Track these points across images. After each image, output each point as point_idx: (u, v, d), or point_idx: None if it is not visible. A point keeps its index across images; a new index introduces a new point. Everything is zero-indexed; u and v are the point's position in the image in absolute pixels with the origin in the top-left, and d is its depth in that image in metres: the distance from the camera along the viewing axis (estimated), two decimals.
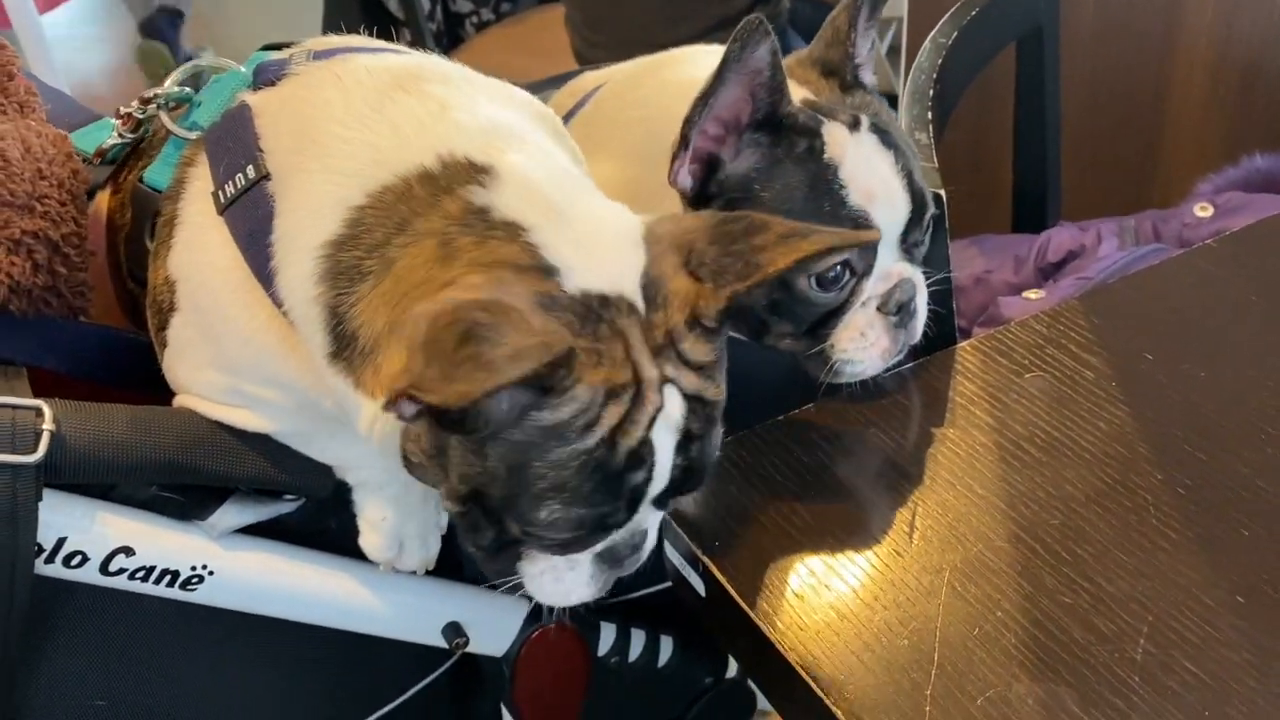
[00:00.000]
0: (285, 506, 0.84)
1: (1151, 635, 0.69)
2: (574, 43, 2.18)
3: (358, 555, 0.87)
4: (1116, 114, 1.75)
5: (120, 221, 0.90)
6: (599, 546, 0.73)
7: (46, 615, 0.78)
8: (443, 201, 0.68)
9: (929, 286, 0.92)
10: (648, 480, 0.68)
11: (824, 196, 0.84)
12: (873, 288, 0.88)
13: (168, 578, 0.79)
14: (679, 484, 0.71)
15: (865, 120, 0.87)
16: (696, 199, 0.87)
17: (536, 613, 1.00)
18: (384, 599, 0.89)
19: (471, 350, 0.58)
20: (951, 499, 0.81)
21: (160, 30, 3.36)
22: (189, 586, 0.80)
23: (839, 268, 0.85)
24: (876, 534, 0.79)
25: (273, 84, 0.78)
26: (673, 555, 0.83)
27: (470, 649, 0.96)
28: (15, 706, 0.78)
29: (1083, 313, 0.98)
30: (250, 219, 0.73)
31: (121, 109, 0.92)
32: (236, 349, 0.77)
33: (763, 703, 1.28)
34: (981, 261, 1.42)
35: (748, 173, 0.86)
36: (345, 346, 0.69)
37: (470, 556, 0.75)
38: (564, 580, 0.74)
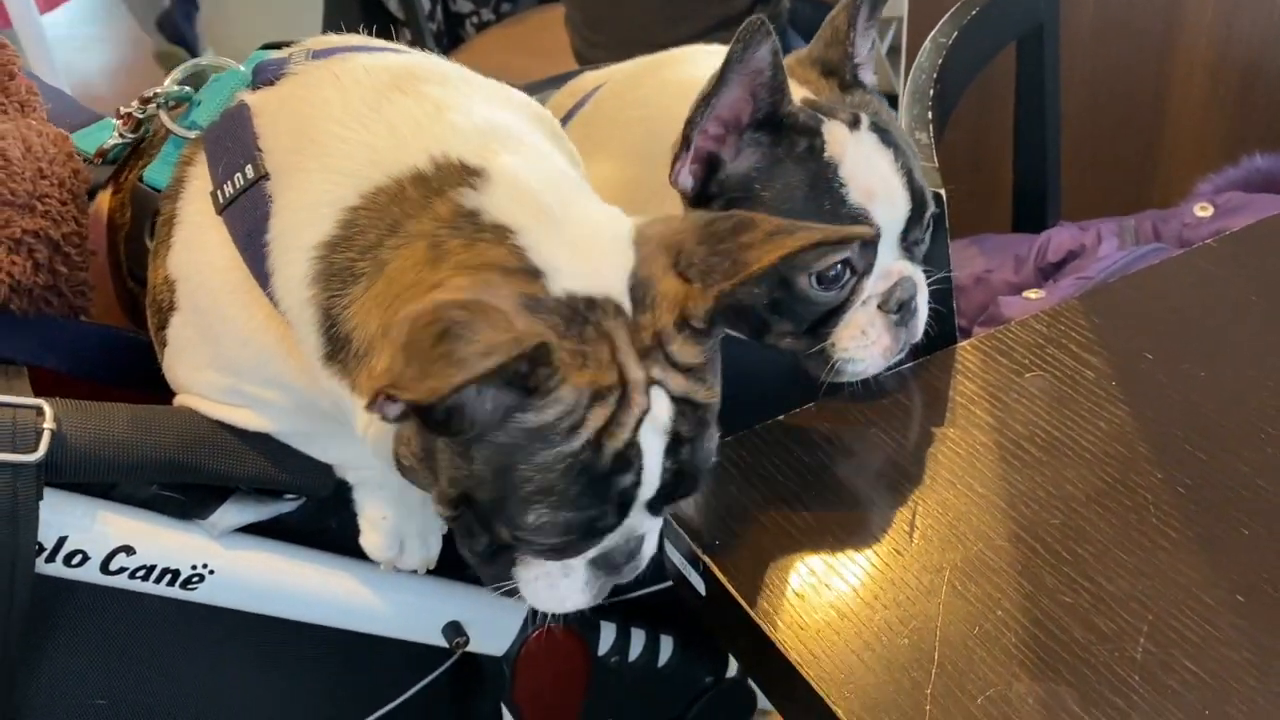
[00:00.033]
0: (286, 506, 0.84)
1: (1152, 634, 0.69)
2: (574, 43, 2.18)
3: (358, 555, 0.87)
4: (1116, 114, 1.75)
5: (120, 221, 0.90)
6: (592, 552, 0.72)
7: (47, 614, 0.78)
8: (434, 204, 0.68)
9: (930, 285, 0.92)
10: (636, 484, 0.68)
11: (824, 195, 0.85)
12: (873, 286, 0.88)
13: (168, 577, 0.79)
14: (671, 488, 0.70)
15: (865, 119, 0.87)
16: (697, 199, 0.87)
17: (536, 612, 1.00)
18: (384, 598, 0.89)
19: (446, 348, 0.58)
20: (952, 498, 0.81)
21: (177, 27, 3.36)
22: (189, 586, 0.80)
23: (839, 266, 0.85)
24: (877, 533, 0.79)
25: (272, 83, 0.78)
26: (673, 554, 0.83)
27: (470, 648, 0.96)
28: (16, 705, 0.78)
29: (1083, 312, 0.98)
30: (248, 219, 0.73)
31: (122, 109, 0.92)
32: (235, 349, 0.77)
33: (763, 702, 1.28)
34: (982, 261, 1.42)
35: (748, 172, 0.86)
36: (340, 349, 0.69)
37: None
38: (558, 587, 0.73)
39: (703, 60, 0.94)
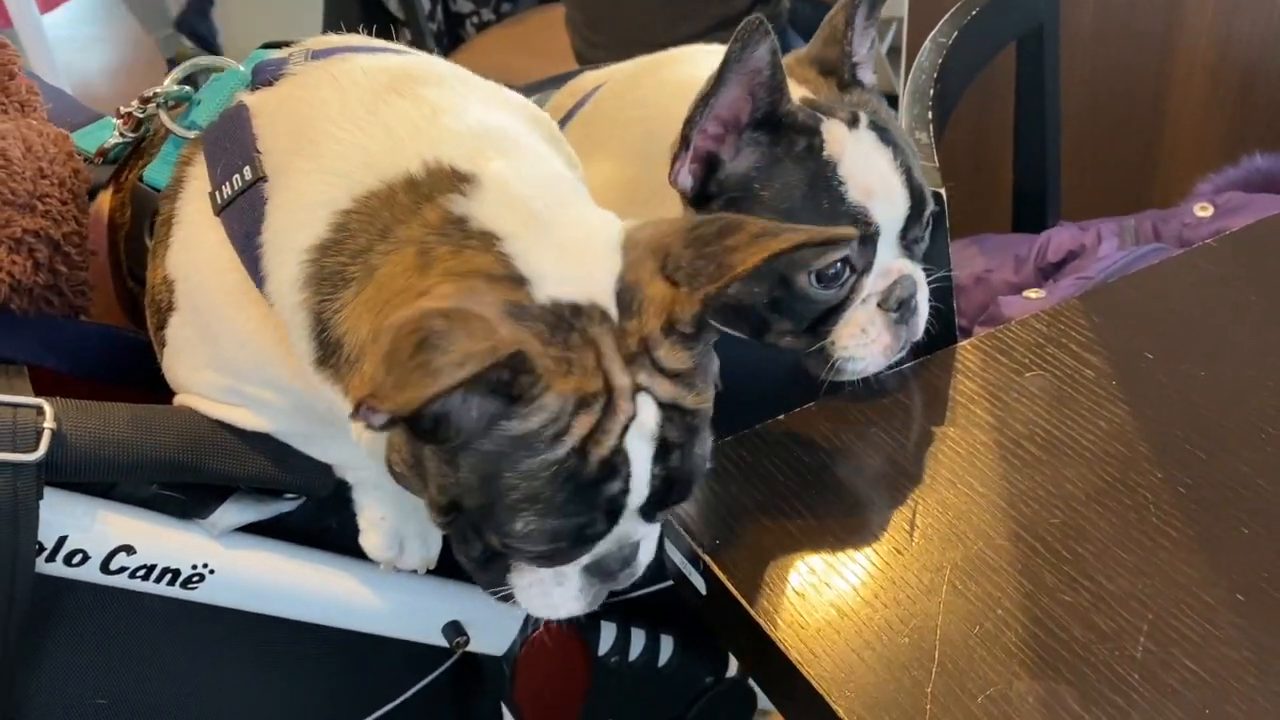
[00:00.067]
0: (286, 505, 0.84)
1: (1151, 633, 0.69)
2: (574, 43, 2.18)
3: (358, 554, 0.87)
4: (1116, 114, 1.75)
5: (120, 220, 0.90)
6: (585, 559, 0.72)
7: (47, 614, 0.78)
8: (423, 209, 0.68)
9: (930, 284, 0.92)
10: (625, 491, 0.67)
11: (823, 194, 0.85)
12: (873, 284, 0.88)
13: (168, 576, 0.79)
14: (662, 494, 0.69)
15: (864, 117, 0.87)
16: (697, 198, 0.87)
17: None
18: (384, 598, 0.89)
19: (423, 358, 0.58)
20: (952, 497, 0.81)
21: (195, 27, 3.37)
22: (190, 585, 0.80)
23: (839, 264, 0.85)
24: (877, 532, 0.79)
25: (270, 84, 0.78)
26: (674, 554, 0.83)
27: (471, 648, 0.96)
28: (16, 705, 0.79)
29: (1083, 312, 0.98)
30: (246, 220, 0.73)
31: (122, 108, 0.92)
32: (233, 350, 0.77)
33: (763, 702, 1.28)
34: (982, 261, 1.43)
35: (747, 172, 0.86)
36: (331, 354, 0.69)
37: None
38: (552, 594, 0.73)
39: (702, 60, 0.94)
